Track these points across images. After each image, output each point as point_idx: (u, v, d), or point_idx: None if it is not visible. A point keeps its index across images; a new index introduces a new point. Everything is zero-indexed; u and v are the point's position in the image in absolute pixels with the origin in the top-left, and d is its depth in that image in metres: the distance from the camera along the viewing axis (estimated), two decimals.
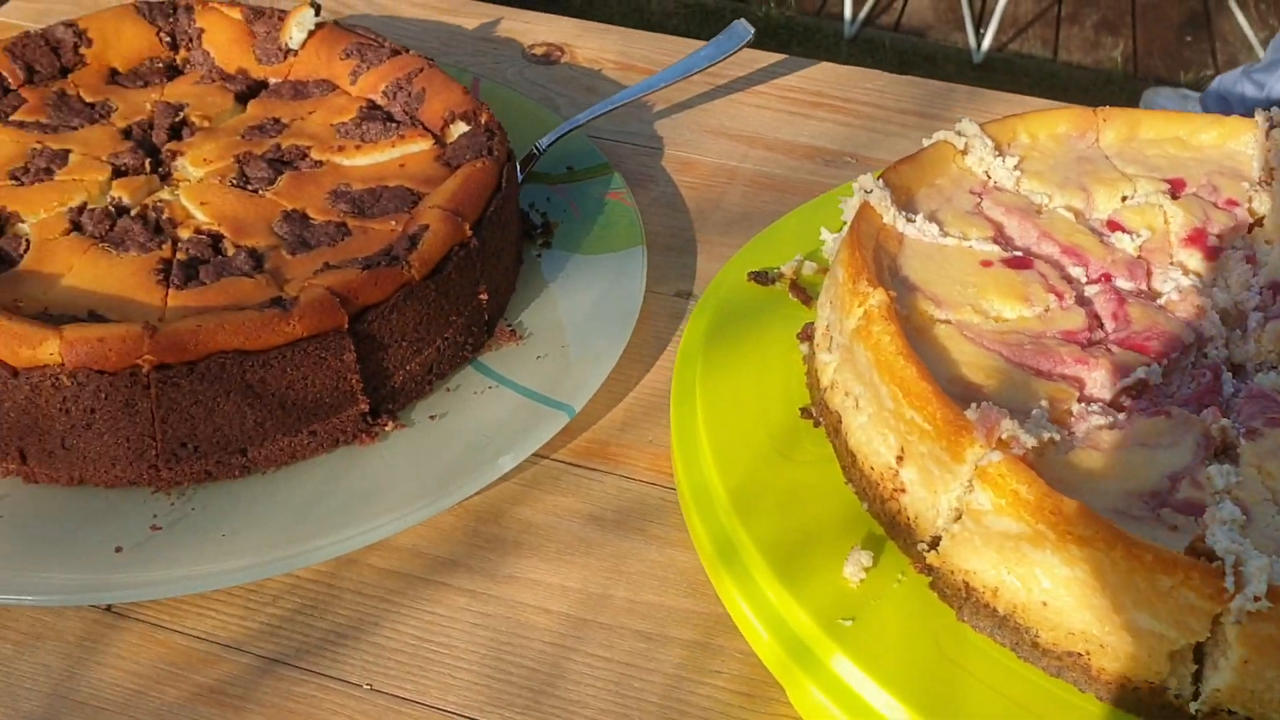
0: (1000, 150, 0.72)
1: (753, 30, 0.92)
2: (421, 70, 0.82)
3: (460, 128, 0.79)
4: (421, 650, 0.58)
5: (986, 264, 0.64)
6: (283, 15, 0.87)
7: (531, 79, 1.00)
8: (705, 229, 0.85)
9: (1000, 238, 0.67)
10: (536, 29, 1.06)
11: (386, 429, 0.67)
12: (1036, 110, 0.75)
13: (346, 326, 0.64)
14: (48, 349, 0.60)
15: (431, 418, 0.68)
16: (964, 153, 0.71)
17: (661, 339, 0.76)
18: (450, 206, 0.70)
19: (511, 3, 1.12)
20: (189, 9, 0.88)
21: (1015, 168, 0.71)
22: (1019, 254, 0.65)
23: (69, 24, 0.85)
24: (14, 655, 0.57)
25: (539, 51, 1.03)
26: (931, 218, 0.67)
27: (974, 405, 0.53)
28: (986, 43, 3.47)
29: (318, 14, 0.87)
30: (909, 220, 0.66)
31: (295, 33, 0.86)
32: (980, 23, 3.58)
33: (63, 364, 0.60)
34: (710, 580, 0.59)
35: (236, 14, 0.88)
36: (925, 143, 0.73)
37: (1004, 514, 0.50)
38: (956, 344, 0.59)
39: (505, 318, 0.75)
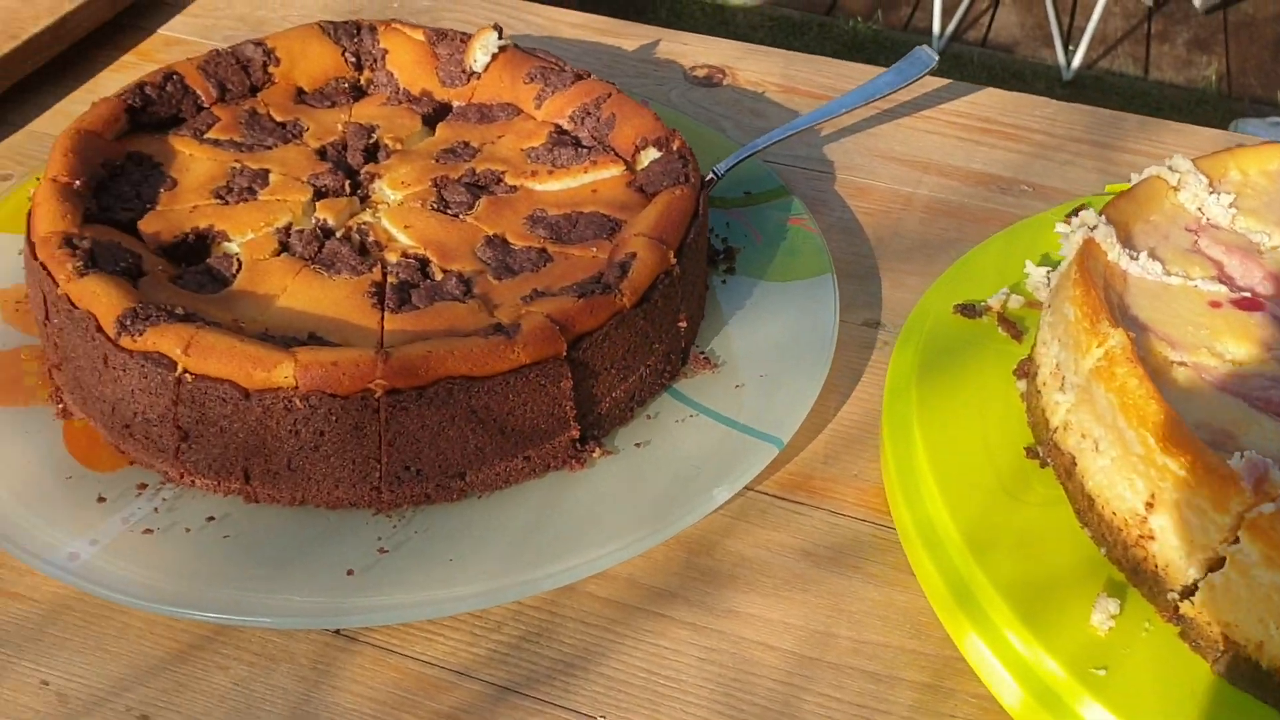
0: (1213, 186, 0.70)
1: (936, 58, 0.92)
2: (609, 96, 0.83)
3: (651, 154, 0.79)
4: (652, 683, 0.58)
5: (1215, 305, 0.63)
6: (465, 38, 0.88)
7: (695, 101, 1.00)
8: (886, 256, 0.84)
9: (1223, 277, 0.66)
10: (696, 50, 1.06)
11: (594, 455, 0.67)
12: (1247, 146, 0.74)
13: (565, 354, 0.64)
14: (282, 372, 0.61)
15: (637, 445, 0.68)
16: (1176, 189, 0.70)
17: (854, 369, 0.75)
18: (655, 234, 0.70)
19: (599, 9, 1.13)
20: (373, 30, 0.89)
21: (1230, 205, 0.70)
22: (1247, 295, 0.64)
23: (258, 43, 0.86)
24: (250, 677, 0.58)
25: (701, 74, 1.03)
26: (1152, 255, 0.66)
27: (1238, 454, 0.52)
28: (1077, 60, 3.43)
29: (501, 37, 0.87)
30: (1132, 258, 0.65)
31: (479, 55, 0.87)
32: (1068, 40, 3.54)
33: (296, 387, 0.61)
34: (939, 621, 0.59)
35: (419, 35, 0.89)
36: (1134, 178, 0.72)
37: (1275, 567, 0.49)
38: (1198, 387, 0.58)
39: (697, 344, 0.75)
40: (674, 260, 0.70)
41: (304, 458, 0.63)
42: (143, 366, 0.62)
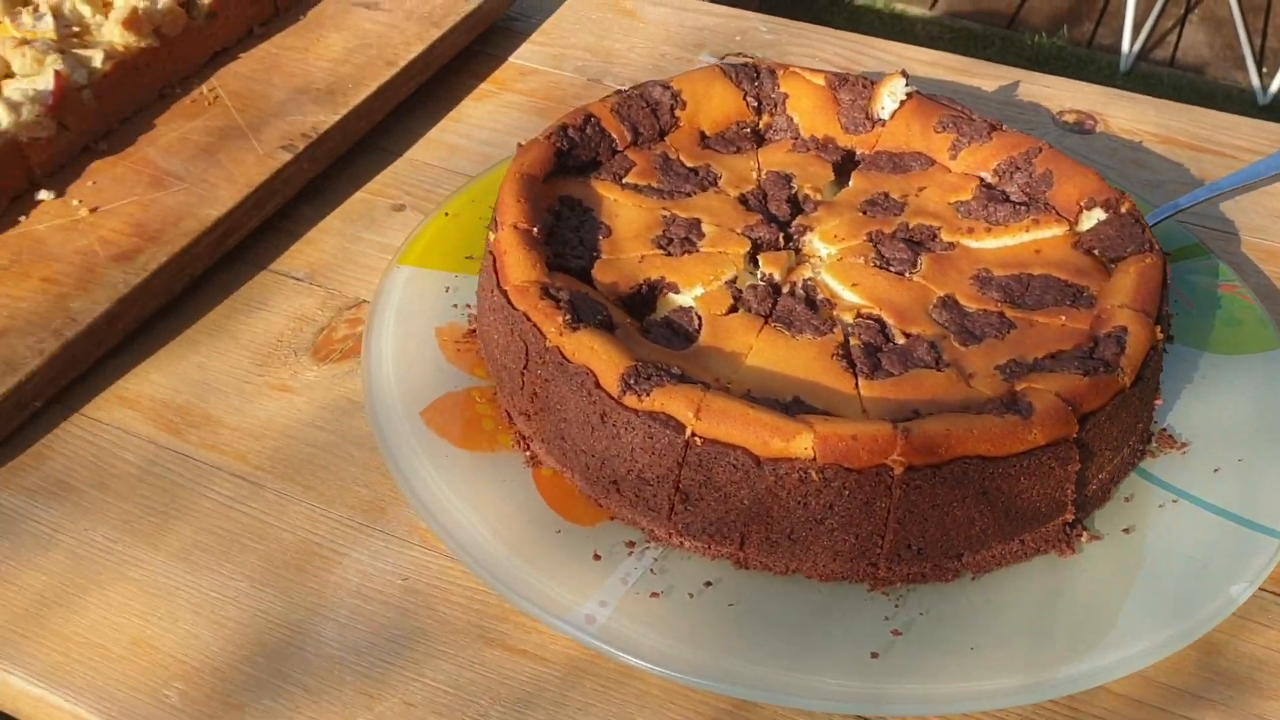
0: None
1: None
2: (1040, 151, 0.80)
3: (1097, 215, 0.76)
4: None
5: None
6: (866, 83, 0.86)
7: (1071, 148, 0.97)
8: None
9: None
10: (1061, 95, 1.03)
11: (1081, 540, 0.65)
12: None
13: (1075, 435, 0.62)
14: (801, 443, 0.59)
15: (1125, 531, 0.65)
16: None
17: None
18: (1138, 306, 0.68)
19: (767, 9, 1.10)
20: (772, 73, 0.88)
21: None
22: None
23: (664, 85, 0.86)
24: None
25: (1070, 119, 1.00)
26: None
27: None
28: (1276, 84, 3.31)
29: (908, 83, 0.85)
30: None
31: (887, 102, 0.85)
32: (1261, 61, 3.43)
33: (814, 458, 0.59)
34: None
35: (820, 80, 0.87)
36: None
37: None
38: None
39: (1155, 419, 0.72)
40: (1160, 334, 0.67)
41: (807, 529, 0.61)
42: (648, 427, 0.62)
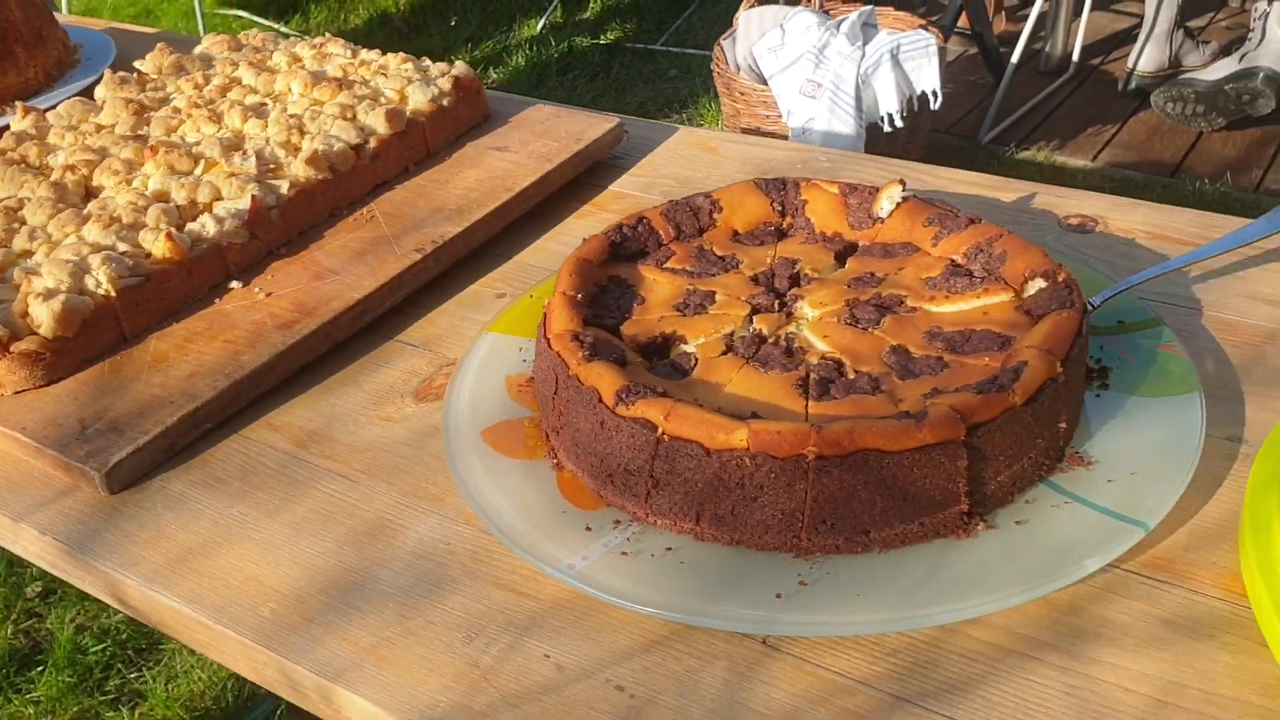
0: None
1: None
2: (1001, 235, 0.97)
3: (1038, 284, 0.93)
4: (1022, 706, 0.69)
5: None
6: (873, 190, 1.06)
7: (1070, 245, 1.12)
8: (1251, 381, 0.93)
9: None
10: (1069, 202, 1.19)
11: (978, 528, 0.80)
12: None
13: (962, 438, 0.78)
14: (739, 436, 0.78)
15: (1017, 523, 0.80)
16: None
17: (1217, 475, 0.84)
18: (1044, 347, 0.84)
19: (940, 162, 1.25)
20: (796, 185, 1.09)
21: None
22: None
23: (706, 195, 1.08)
24: (698, 667, 0.74)
25: (1074, 221, 1.16)
26: None
27: None
28: None
29: (904, 189, 1.04)
30: None
31: (885, 204, 1.04)
32: None
33: (748, 449, 0.78)
34: None
35: (834, 189, 1.07)
36: None
37: None
38: None
39: (1073, 446, 0.86)
40: (1060, 370, 0.83)
41: (745, 506, 0.79)
42: (632, 429, 0.82)
